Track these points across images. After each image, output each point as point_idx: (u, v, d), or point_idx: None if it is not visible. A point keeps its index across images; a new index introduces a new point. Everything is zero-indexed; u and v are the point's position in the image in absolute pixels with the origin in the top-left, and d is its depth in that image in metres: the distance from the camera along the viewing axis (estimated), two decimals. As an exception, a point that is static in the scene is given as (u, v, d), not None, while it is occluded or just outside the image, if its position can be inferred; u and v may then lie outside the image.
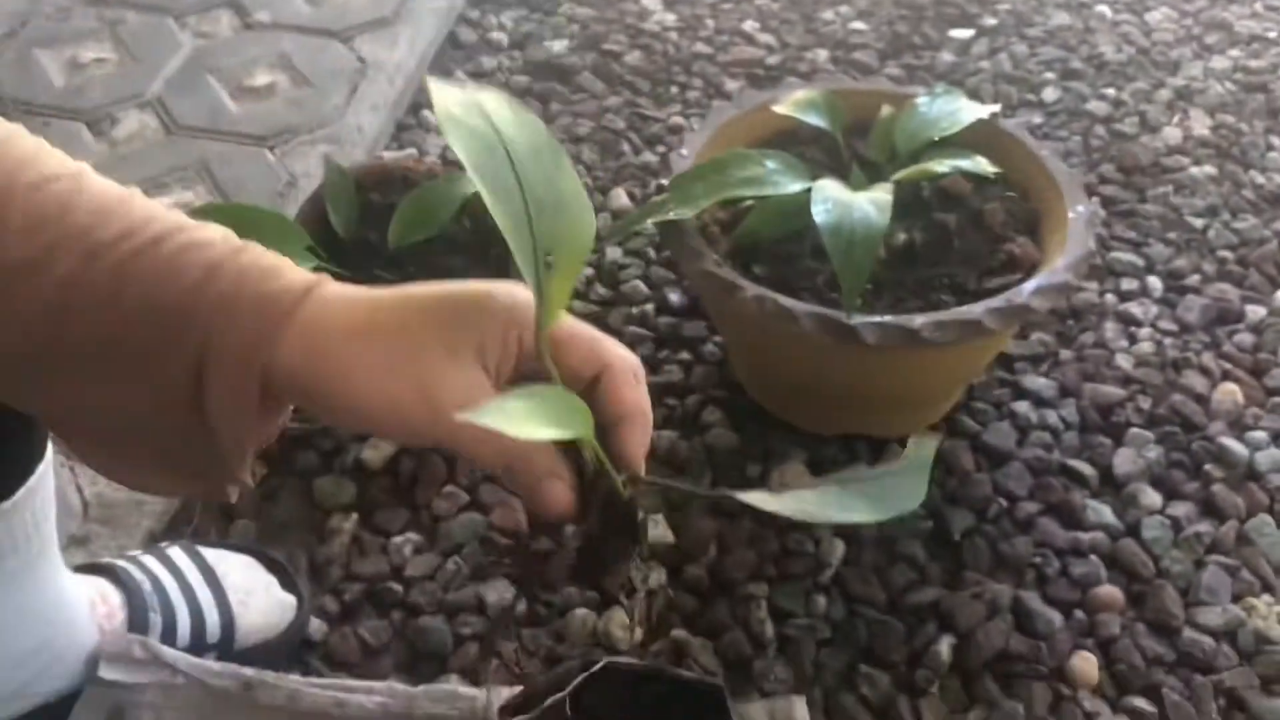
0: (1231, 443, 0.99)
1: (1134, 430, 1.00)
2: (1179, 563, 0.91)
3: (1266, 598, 0.90)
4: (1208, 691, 0.84)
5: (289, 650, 0.83)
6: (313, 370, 0.42)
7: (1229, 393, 1.03)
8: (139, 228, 0.42)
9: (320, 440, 0.98)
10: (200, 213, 0.74)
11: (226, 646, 0.81)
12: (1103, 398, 1.03)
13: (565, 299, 0.44)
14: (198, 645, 0.80)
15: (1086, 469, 0.97)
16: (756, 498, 0.44)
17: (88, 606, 0.76)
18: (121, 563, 0.80)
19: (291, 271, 0.44)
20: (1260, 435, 1.00)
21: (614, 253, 1.17)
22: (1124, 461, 0.98)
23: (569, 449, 0.44)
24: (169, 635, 0.79)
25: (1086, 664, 0.85)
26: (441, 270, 0.97)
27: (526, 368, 0.44)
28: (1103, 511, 0.94)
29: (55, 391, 0.44)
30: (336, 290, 0.44)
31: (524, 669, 0.83)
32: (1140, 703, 0.83)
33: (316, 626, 0.86)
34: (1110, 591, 0.89)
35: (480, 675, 0.82)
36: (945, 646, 0.85)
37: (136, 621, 0.78)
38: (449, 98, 0.44)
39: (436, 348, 0.42)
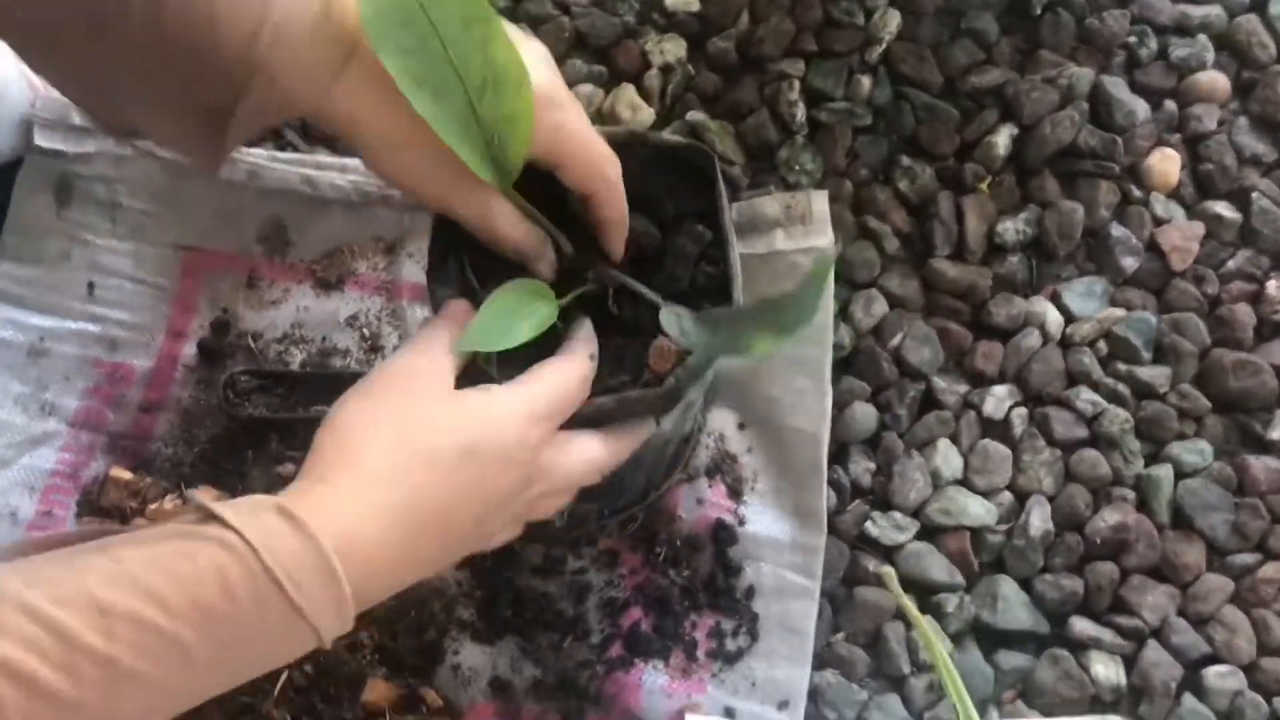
0: None
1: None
2: (1307, 43, 0.75)
3: (1405, 91, 0.75)
4: (1305, 197, 0.73)
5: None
6: (350, 139, 0.45)
7: None
8: None
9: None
10: None
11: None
12: None
13: (518, 165, 0.46)
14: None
15: (1215, -74, 0.78)
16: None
17: (13, 60, 0.66)
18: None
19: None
20: None
21: None
22: (1265, -83, 0.79)
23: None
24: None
25: (1168, 163, 0.73)
26: None
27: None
28: (1225, -18, 0.77)
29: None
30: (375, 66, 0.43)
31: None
32: (1221, 208, 0.73)
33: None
34: (1214, 78, 0.75)
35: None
36: (1004, 137, 0.73)
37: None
38: None
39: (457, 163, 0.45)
